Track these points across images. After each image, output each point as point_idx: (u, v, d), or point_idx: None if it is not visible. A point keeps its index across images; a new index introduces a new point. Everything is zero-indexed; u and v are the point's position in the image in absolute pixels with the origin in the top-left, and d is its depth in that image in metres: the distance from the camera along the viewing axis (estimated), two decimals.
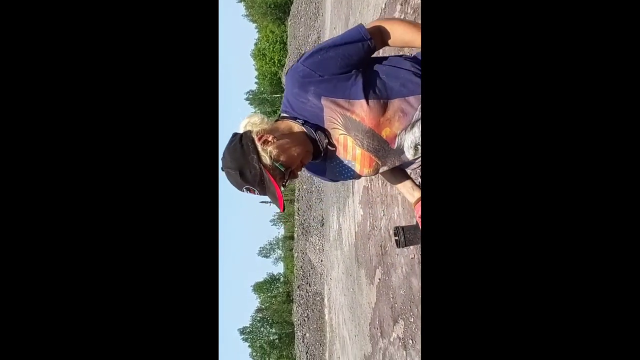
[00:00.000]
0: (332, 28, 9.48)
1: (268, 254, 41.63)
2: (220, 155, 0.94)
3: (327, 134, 0.97)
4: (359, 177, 1.05)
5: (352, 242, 6.28)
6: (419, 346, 2.90)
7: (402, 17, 3.30)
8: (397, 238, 1.09)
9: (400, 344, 3.36)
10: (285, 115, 1.00)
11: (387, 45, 0.96)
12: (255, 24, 33.46)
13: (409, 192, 1.13)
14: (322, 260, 12.08)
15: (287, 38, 26.25)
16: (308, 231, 15.22)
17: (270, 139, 0.92)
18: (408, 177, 1.14)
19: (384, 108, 0.92)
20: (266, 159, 0.91)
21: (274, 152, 0.91)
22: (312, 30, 15.55)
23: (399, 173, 1.12)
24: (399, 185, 1.15)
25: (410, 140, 0.96)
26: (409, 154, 0.98)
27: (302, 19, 18.78)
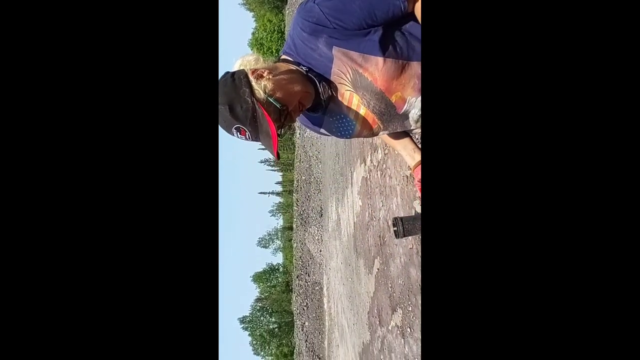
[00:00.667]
0: None
1: (267, 245, 41.79)
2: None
3: (331, 87, 0.88)
4: (356, 137, 0.99)
5: (350, 232, 6.30)
6: (416, 334, 2.93)
7: None
8: (395, 229, 1.09)
9: (398, 332, 3.40)
10: (287, 58, 0.90)
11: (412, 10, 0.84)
12: (253, 13, 33.03)
13: (409, 155, 1.06)
14: (320, 251, 12.12)
15: (285, 27, 25.93)
16: (307, 222, 15.23)
17: (265, 74, 0.82)
18: (408, 136, 1.07)
19: (400, 70, 0.82)
20: (260, 93, 0.80)
21: (269, 86, 0.81)
22: None
23: (400, 132, 1.06)
24: (399, 145, 1.08)
25: (418, 108, 0.90)
26: (412, 122, 0.94)
27: None
